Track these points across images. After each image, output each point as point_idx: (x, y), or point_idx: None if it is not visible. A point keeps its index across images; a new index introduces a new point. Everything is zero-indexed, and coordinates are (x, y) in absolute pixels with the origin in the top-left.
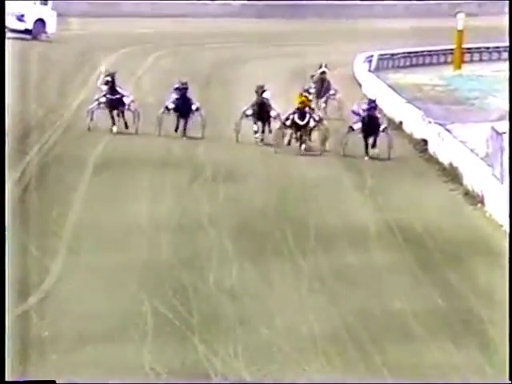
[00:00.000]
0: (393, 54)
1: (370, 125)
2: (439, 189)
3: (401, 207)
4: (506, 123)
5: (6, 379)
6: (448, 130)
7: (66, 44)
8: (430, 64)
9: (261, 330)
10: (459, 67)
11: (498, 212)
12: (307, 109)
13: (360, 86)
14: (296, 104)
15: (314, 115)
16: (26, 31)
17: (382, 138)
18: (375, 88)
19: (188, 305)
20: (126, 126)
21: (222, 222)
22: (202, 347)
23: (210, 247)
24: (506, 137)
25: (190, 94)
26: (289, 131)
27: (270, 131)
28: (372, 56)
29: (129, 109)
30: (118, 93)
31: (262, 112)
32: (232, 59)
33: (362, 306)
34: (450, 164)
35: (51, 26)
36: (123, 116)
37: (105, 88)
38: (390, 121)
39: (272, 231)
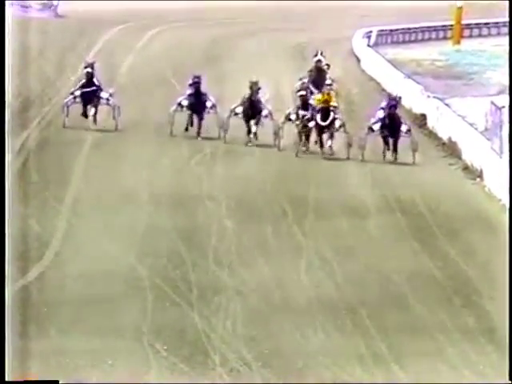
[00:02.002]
0: (392, 30)
1: (391, 125)
2: (438, 163)
3: (400, 182)
4: (506, 97)
5: (6, 379)
6: (447, 105)
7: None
8: (429, 39)
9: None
10: (458, 42)
11: (496, 186)
12: (331, 109)
13: (359, 60)
14: (317, 103)
15: (337, 116)
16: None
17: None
18: (374, 63)
19: None
20: (95, 122)
21: None
22: None
23: None
24: (506, 111)
25: (205, 88)
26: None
27: (277, 133)
28: (371, 31)
29: (107, 103)
30: (95, 85)
31: (253, 110)
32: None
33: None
34: (449, 138)
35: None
36: (96, 110)
37: (81, 81)
38: (390, 96)
39: None
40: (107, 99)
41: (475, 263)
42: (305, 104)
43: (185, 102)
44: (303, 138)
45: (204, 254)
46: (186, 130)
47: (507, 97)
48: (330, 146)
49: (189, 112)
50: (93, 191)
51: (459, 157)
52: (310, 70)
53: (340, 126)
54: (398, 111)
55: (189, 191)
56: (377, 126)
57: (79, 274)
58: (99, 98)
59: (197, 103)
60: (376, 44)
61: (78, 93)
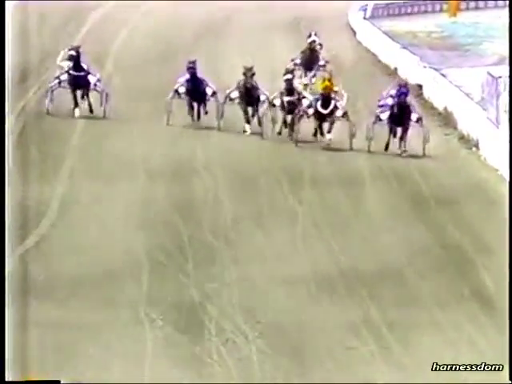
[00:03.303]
0: (388, 3)
1: (400, 114)
2: (434, 133)
3: (396, 152)
4: (502, 68)
5: (6, 379)
6: (443, 75)
7: None
8: (425, 12)
9: None
10: (455, 15)
11: (492, 156)
12: (332, 95)
13: (354, 33)
14: (317, 89)
15: (339, 104)
16: None
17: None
18: (370, 35)
19: None
20: (91, 110)
21: None
22: None
23: None
24: (502, 81)
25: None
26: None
27: (260, 120)
28: (367, 5)
29: (95, 89)
30: (83, 70)
31: (249, 95)
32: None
33: None
34: (445, 109)
35: None
36: (88, 97)
37: (67, 64)
38: (386, 67)
39: None
40: (95, 84)
41: (472, 234)
42: (290, 89)
43: (182, 89)
44: (289, 125)
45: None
46: (194, 116)
47: (503, 67)
48: (330, 133)
49: (187, 98)
50: None
51: (455, 127)
52: (303, 51)
53: (343, 115)
54: (410, 99)
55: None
56: (385, 115)
57: (74, 245)
58: (88, 83)
59: (194, 90)
60: (372, 17)
61: (64, 77)
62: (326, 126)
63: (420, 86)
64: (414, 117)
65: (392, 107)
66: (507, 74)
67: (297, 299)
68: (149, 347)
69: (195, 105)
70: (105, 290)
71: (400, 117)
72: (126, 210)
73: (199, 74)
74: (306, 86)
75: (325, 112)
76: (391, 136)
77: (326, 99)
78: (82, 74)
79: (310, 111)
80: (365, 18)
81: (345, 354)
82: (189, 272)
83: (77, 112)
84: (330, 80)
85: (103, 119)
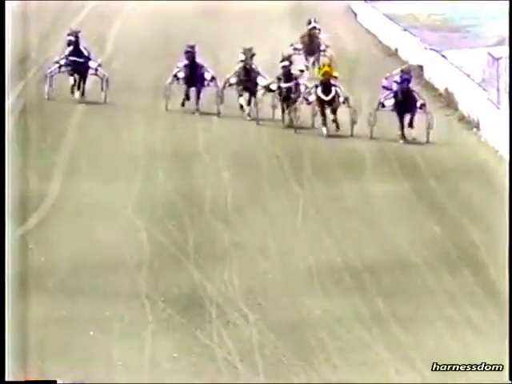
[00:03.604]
0: None
1: (405, 101)
2: (435, 114)
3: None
4: (502, 48)
5: (6, 379)
6: (444, 56)
7: None
8: None
9: None
10: None
11: (493, 136)
12: (332, 81)
13: (355, 15)
14: (317, 75)
15: (339, 90)
16: None
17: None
18: (370, 17)
19: None
20: (83, 94)
21: None
22: None
23: None
24: (503, 62)
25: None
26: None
27: (256, 104)
28: None
29: (96, 74)
30: (83, 55)
31: (249, 80)
32: None
33: None
34: (446, 89)
35: None
36: (84, 82)
37: (67, 49)
38: (387, 48)
39: None
40: (96, 69)
41: (472, 215)
42: (287, 75)
43: (181, 74)
44: (286, 111)
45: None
46: (183, 104)
47: (504, 48)
48: (336, 121)
49: (185, 85)
50: None
51: (456, 108)
52: (303, 36)
53: (344, 101)
54: (413, 85)
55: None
56: (389, 102)
57: (75, 227)
58: (87, 67)
59: (193, 75)
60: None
61: (63, 62)
62: (327, 111)
63: (421, 67)
64: (418, 103)
65: (396, 94)
66: (507, 54)
67: (297, 282)
68: (149, 329)
69: (193, 90)
70: (106, 274)
71: (404, 103)
72: (127, 195)
73: (198, 59)
74: (307, 67)
75: (326, 98)
76: (402, 123)
77: (326, 85)
78: (82, 59)
79: (311, 98)
80: (365, 0)
81: (344, 336)
82: (189, 252)
83: (77, 94)
84: (329, 65)
85: (104, 104)
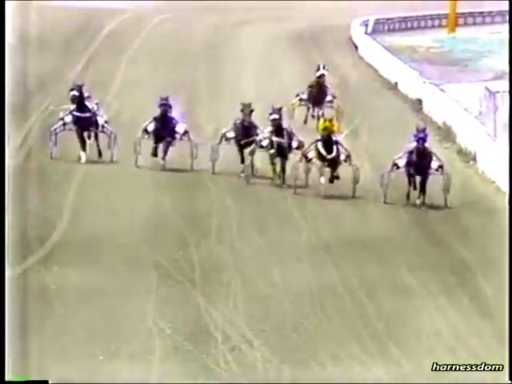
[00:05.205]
0: (389, 18)
1: (420, 161)
2: (434, 147)
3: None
4: (500, 83)
5: (6, 379)
6: (442, 90)
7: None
8: (425, 27)
9: None
10: (453, 30)
11: (490, 169)
12: (334, 137)
13: (356, 48)
14: (317, 131)
15: (341, 147)
16: None
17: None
18: (371, 50)
19: None
20: (100, 154)
21: None
22: None
23: None
24: (500, 96)
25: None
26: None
27: (252, 163)
28: (368, 20)
29: (103, 131)
30: (89, 110)
31: (246, 134)
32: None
33: None
34: (444, 123)
35: None
36: (96, 140)
37: (72, 105)
38: (387, 81)
39: None
40: (102, 126)
41: (471, 245)
42: (279, 129)
43: (150, 128)
44: (280, 168)
45: None
46: (155, 155)
47: (501, 82)
48: (336, 176)
49: (153, 139)
50: None
51: (454, 140)
52: (310, 86)
53: (345, 159)
54: (429, 144)
55: None
56: (402, 162)
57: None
58: (96, 124)
59: (163, 129)
60: (373, 32)
61: (68, 119)
62: (327, 170)
63: (420, 101)
64: (434, 164)
65: (410, 153)
66: (505, 89)
67: (300, 308)
68: (157, 355)
69: (162, 145)
70: (114, 299)
71: (419, 164)
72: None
73: (173, 112)
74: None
75: (328, 156)
76: (411, 186)
77: (327, 142)
78: (88, 114)
79: (311, 154)
80: (366, 33)
81: (345, 360)
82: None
83: (83, 157)
84: (330, 121)
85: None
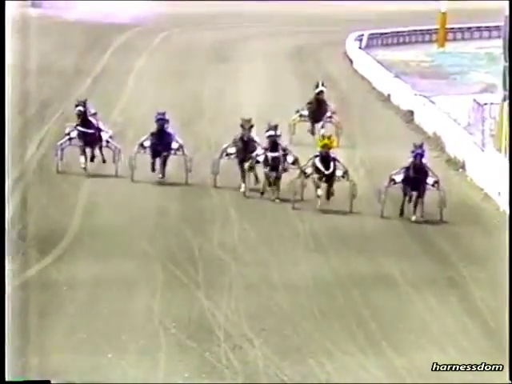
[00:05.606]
0: (382, 33)
1: (416, 177)
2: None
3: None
4: (487, 95)
5: (6, 379)
6: (432, 102)
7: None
8: (416, 42)
9: None
10: (443, 45)
11: (478, 176)
12: (331, 154)
13: (351, 62)
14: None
15: (338, 163)
16: None
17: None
18: (365, 64)
19: None
20: (104, 161)
21: None
22: None
23: None
24: (487, 108)
25: (172, 128)
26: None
27: (257, 178)
28: (362, 35)
29: (107, 146)
30: (93, 125)
31: (246, 150)
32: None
33: None
34: (434, 133)
35: None
36: (101, 151)
37: (77, 121)
38: (380, 94)
39: None
40: (107, 141)
41: (460, 249)
42: (274, 145)
43: (147, 143)
44: (274, 183)
45: None
46: (153, 170)
47: (488, 95)
48: (332, 193)
49: (150, 154)
50: None
51: (443, 150)
52: (310, 102)
53: (343, 175)
54: (425, 161)
55: None
56: (399, 177)
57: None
58: (100, 139)
59: (159, 144)
60: (367, 46)
61: (74, 134)
62: (323, 186)
63: (411, 112)
64: (430, 180)
65: (407, 169)
66: (492, 101)
67: (299, 308)
68: (163, 353)
69: (158, 160)
70: (122, 299)
71: (415, 180)
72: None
73: (170, 128)
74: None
75: (326, 172)
76: (405, 200)
77: (324, 158)
78: (92, 130)
79: (309, 170)
80: (360, 48)
81: (341, 358)
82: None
83: (87, 169)
84: (329, 138)
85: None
